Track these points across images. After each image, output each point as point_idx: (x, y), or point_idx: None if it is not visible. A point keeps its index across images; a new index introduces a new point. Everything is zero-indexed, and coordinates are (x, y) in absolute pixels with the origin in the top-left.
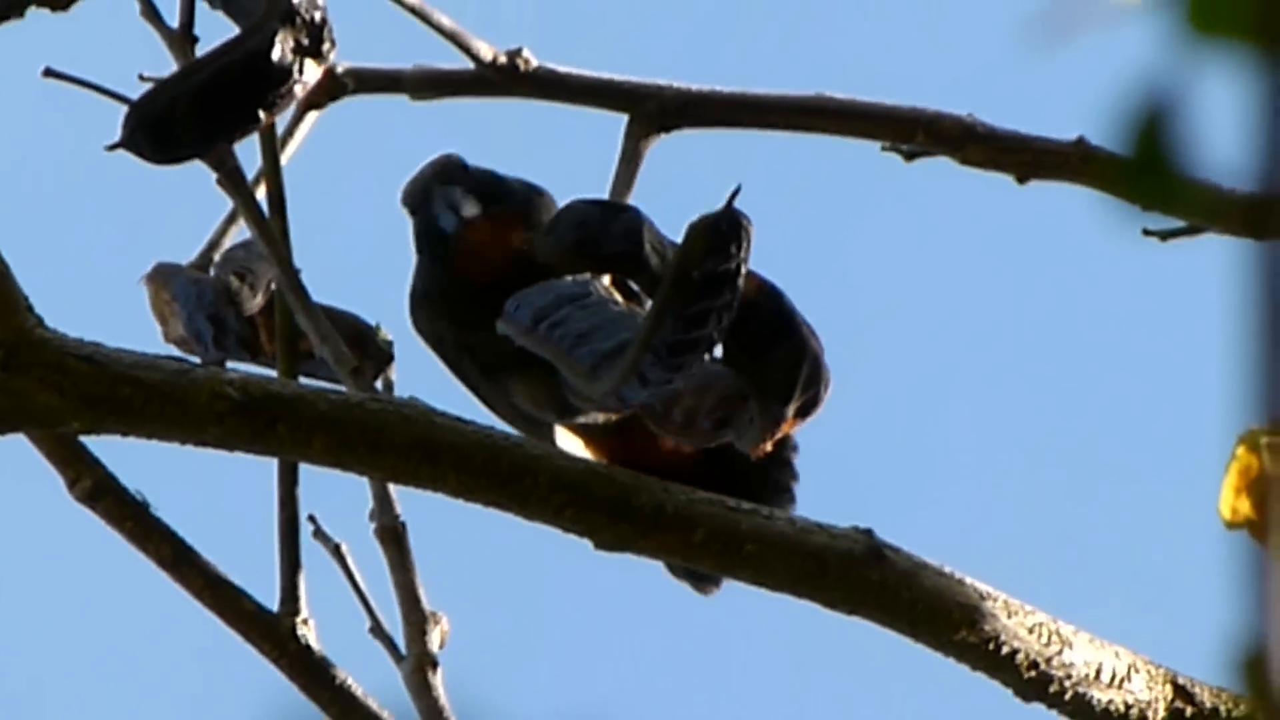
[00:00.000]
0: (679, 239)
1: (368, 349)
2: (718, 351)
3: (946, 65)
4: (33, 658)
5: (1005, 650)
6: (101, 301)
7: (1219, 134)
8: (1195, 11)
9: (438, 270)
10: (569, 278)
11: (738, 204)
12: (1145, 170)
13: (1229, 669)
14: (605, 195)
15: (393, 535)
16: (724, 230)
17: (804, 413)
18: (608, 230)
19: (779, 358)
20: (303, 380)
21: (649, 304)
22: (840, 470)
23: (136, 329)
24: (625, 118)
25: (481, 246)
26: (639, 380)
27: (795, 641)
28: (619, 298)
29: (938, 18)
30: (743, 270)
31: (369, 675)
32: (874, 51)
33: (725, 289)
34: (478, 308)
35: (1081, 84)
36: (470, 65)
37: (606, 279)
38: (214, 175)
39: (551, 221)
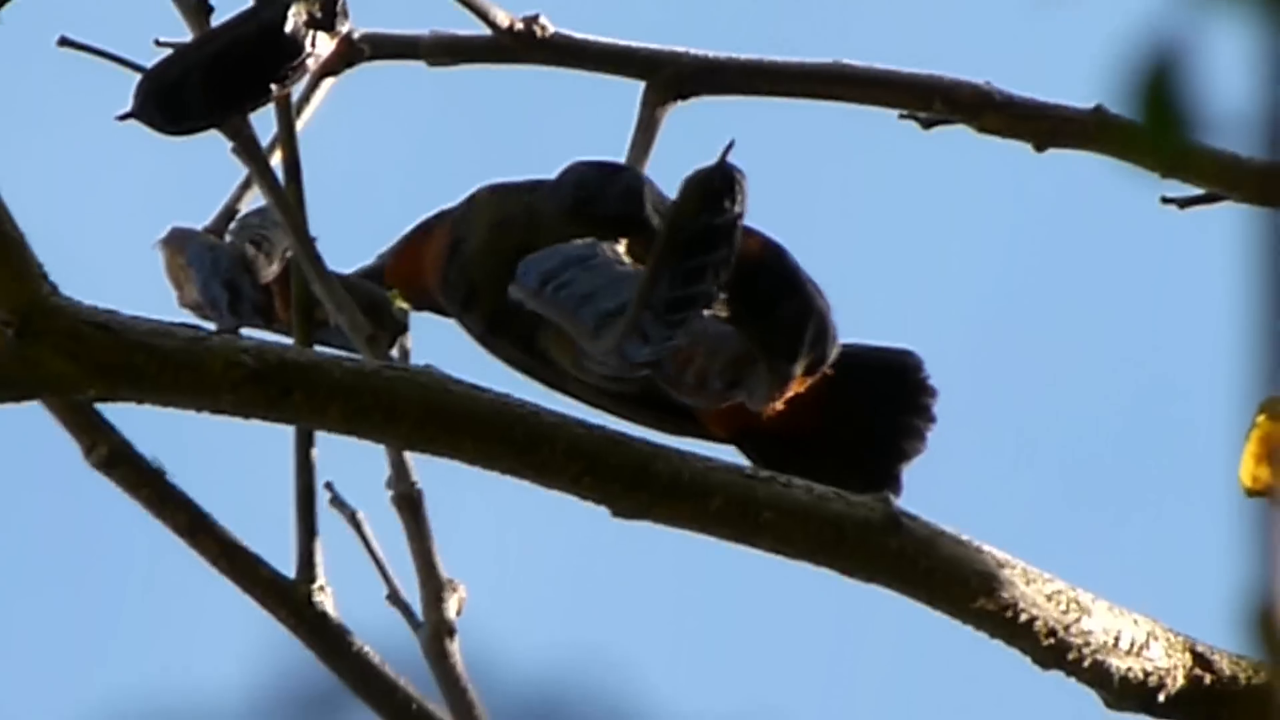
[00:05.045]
0: None
1: (383, 317)
2: (724, 311)
3: (963, 30)
4: (49, 626)
5: (1023, 618)
6: (116, 268)
7: (1228, 88)
8: None
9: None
10: (577, 241)
11: (732, 159)
12: (1155, 126)
13: (1240, 625)
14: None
15: (409, 503)
16: (717, 184)
17: (812, 370)
18: (607, 191)
19: (784, 316)
20: (318, 348)
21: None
22: None
23: (152, 295)
24: (642, 85)
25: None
26: (640, 337)
27: (808, 600)
28: (627, 259)
29: None
30: (739, 224)
31: (386, 642)
32: (891, 18)
33: (721, 243)
34: (488, 306)
35: (1095, 41)
36: (487, 31)
37: (623, 244)
38: (229, 144)
39: (552, 182)
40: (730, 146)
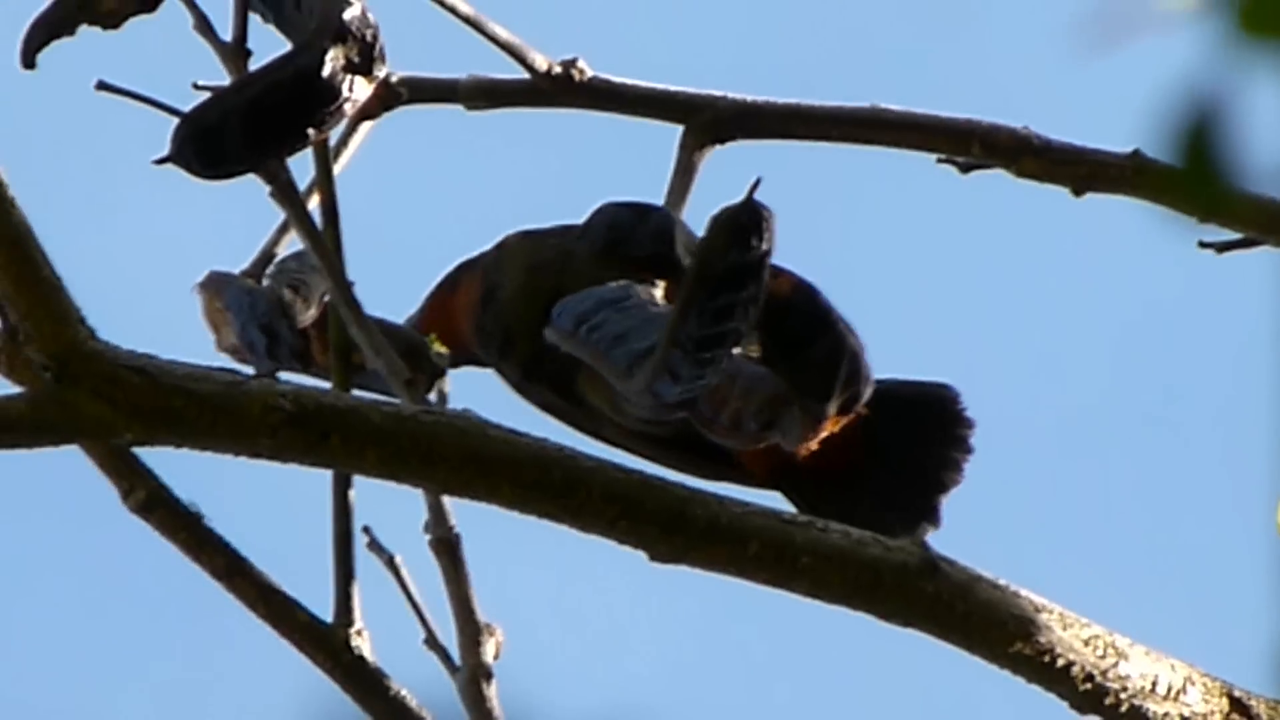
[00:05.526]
0: None
1: (421, 362)
2: (757, 351)
3: (1000, 75)
4: (86, 668)
5: (1060, 663)
6: (154, 312)
7: (1266, 134)
8: (1246, 16)
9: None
10: (611, 283)
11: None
12: (1194, 177)
13: (1278, 670)
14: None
15: (447, 546)
16: (744, 222)
17: (846, 409)
18: (639, 231)
19: (817, 356)
20: (356, 392)
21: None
22: None
23: (190, 339)
24: (680, 129)
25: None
26: (670, 376)
27: (846, 648)
28: (661, 301)
29: (991, 27)
30: (766, 262)
31: (423, 687)
32: (928, 63)
33: (749, 281)
34: (520, 354)
35: (1134, 90)
36: (525, 75)
37: (660, 289)
38: (267, 188)
39: (584, 224)
40: (757, 184)
